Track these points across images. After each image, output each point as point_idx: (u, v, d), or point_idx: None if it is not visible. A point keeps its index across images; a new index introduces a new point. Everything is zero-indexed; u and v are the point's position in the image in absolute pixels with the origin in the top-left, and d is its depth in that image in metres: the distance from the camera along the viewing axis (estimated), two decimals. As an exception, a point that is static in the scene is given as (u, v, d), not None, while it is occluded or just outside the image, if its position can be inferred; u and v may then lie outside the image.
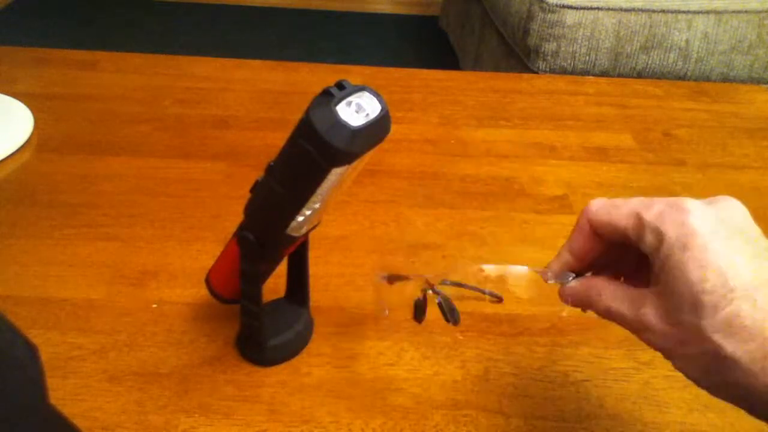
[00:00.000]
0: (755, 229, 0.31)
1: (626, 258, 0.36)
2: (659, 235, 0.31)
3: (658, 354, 0.49)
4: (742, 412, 0.45)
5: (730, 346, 0.29)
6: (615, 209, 0.34)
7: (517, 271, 0.41)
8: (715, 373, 0.30)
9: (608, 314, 0.34)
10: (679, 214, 0.31)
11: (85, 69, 0.83)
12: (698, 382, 0.31)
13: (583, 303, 0.36)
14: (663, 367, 0.48)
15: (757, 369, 0.28)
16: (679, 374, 0.47)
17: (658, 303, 0.31)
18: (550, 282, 0.38)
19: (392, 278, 0.48)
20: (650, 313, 0.31)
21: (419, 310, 0.46)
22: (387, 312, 0.50)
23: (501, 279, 0.43)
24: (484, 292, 0.45)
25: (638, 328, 0.32)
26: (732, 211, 0.31)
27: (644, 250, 0.32)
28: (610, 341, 0.50)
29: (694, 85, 0.91)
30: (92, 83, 0.80)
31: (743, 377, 0.29)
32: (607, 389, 0.46)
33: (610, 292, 0.34)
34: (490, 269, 0.42)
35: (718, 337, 0.29)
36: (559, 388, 0.46)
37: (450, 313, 0.46)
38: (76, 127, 0.72)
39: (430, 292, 0.45)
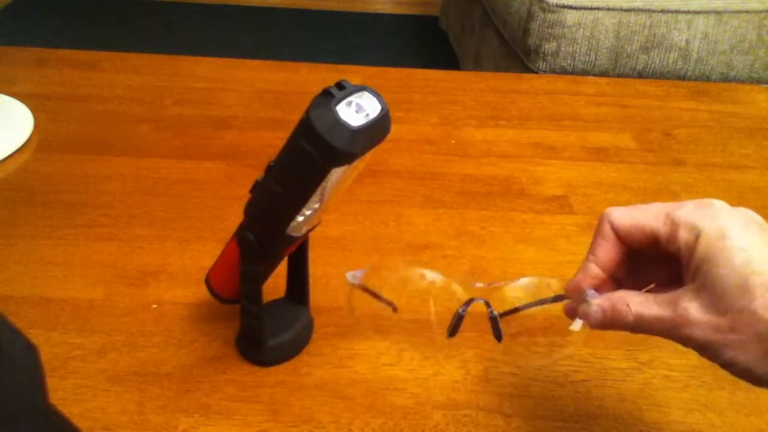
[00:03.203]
0: None
1: (643, 270, 0.36)
2: (695, 230, 0.31)
3: (659, 354, 0.49)
4: (742, 412, 0.45)
5: None
6: (639, 212, 0.34)
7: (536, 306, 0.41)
8: None
9: (640, 323, 0.33)
10: (711, 210, 0.31)
11: (85, 69, 0.83)
12: (753, 371, 0.30)
13: (610, 319, 0.34)
14: (663, 367, 0.48)
15: None
16: (679, 374, 0.47)
17: (700, 296, 0.31)
18: (580, 308, 0.36)
19: (365, 289, 0.48)
20: (692, 307, 0.31)
21: (457, 325, 0.45)
22: (354, 312, 0.49)
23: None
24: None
25: (679, 325, 0.31)
26: (752, 214, 0.32)
27: (676, 247, 0.32)
28: (610, 341, 0.50)
29: (694, 85, 0.91)
30: (92, 83, 0.80)
31: None
32: (607, 389, 0.46)
33: (638, 299, 0.33)
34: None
35: None
36: (559, 388, 0.46)
37: (497, 330, 0.44)
38: (76, 127, 0.72)
39: (480, 302, 0.44)
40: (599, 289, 0.36)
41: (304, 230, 0.41)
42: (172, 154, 0.68)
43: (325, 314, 0.50)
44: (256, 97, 0.80)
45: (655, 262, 0.35)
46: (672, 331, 0.32)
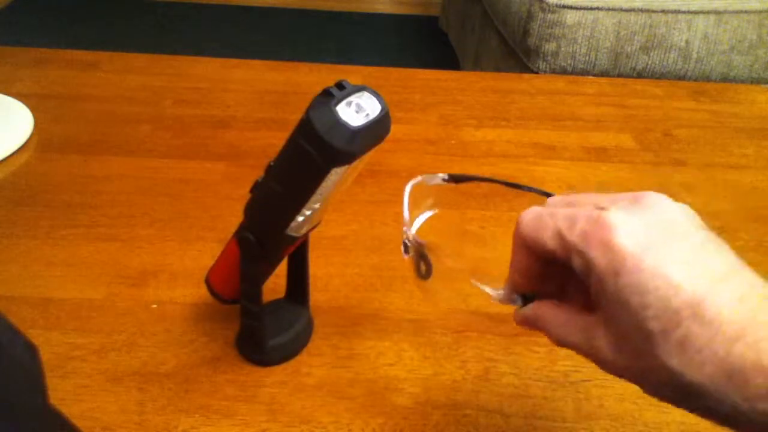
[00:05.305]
0: (689, 222, 0.28)
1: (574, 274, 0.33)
2: (586, 260, 0.28)
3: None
4: (742, 412, 0.45)
5: (689, 372, 0.25)
6: (542, 225, 0.30)
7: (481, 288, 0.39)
8: (685, 400, 0.27)
9: (561, 344, 0.31)
10: (603, 232, 0.27)
11: (85, 69, 0.83)
12: (678, 407, 0.28)
13: (536, 330, 0.33)
14: (663, 367, 0.48)
15: (721, 393, 0.25)
16: (679, 374, 0.47)
17: (607, 332, 0.28)
18: (494, 301, 0.35)
19: (458, 178, 0.44)
20: (603, 346, 0.28)
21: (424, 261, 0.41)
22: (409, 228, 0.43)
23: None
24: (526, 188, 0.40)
25: (595, 361, 0.30)
26: (659, 209, 0.28)
27: (577, 272, 0.29)
28: (610, 341, 0.50)
29: (694, 85, 0.91)
30: (92, 83, 0.80)
31: (713, 403, 0.25)
32: (607, 389, 0.46)
33: (557, 321, 0.31)
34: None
35: (675, 364, 0.26)
36: (559, 388, 0.46)
37: (422, 264, 0.41)
38: (76, 127, 0.72)
39: (408, 236, 0.41)
40: (532, 291, 0.34)
41: (304, 230, 0.41)
42: (172, 154, 0.68)
43: (325, 314, 0.50)
44: (256, 97, 0.80)
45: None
46: (592, 361, 0.30)
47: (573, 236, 0.28)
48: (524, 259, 0.32)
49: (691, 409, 0.27)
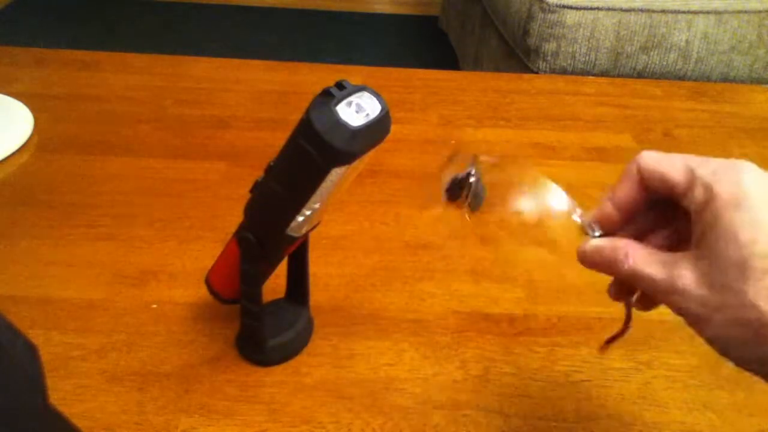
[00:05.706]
0: None
1: (661, 226, 0.35)
2: (710, 192, 0.29)
3: (658, 354, 0.49)
4: (743, 412, 0.45)
5: None
6: (668, 160, 0.32)
7: (555, 204, 0.39)
8: (753, 344, 0.28)
9: (634, 277, 0.32)
10: (734, 173, 0.29)
11: (85, 69, 0.83)
12: (728, 353, 0.29)
13: (605, 262, 0.33)
14: (663, 367, 0.48)
15: None
16: (679, 374, 0.47)
17: (698, 265, 0.29)
18: (573, 218, 0.35)
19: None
20: (686, 275, 0.29)
21: (456, 188, 0.42)
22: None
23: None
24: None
25: (669, 291, 0.30)
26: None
27: (690, 207, 0.30)
28: (610, 341, 0.50)
29: (694, 85, 0.91)
30: (92, 83, 0.80)
31: None
32: (607, 389, 0.46)
33: (639, 253, 0.32)
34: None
35: (763, 304, 0.27)
36: (559, 388, 0.46)
37: (474, 197, 0.41)
38: (76, 127, 0.72)
39: (473, 171, 0.40)
40: (612, 229, 0.35)
41: (304, 230, 0.41)
42: (172, 154, 0.68)
43: (325, 314, 0.50)
44: (256, 97, 0.80)
45: (673, 215, 0.34)
46: (661, 294, 0.31)
47: (703, 171, 0.30)
48: (629, 193, 0.33)
49: (748, 356, 0.29)
